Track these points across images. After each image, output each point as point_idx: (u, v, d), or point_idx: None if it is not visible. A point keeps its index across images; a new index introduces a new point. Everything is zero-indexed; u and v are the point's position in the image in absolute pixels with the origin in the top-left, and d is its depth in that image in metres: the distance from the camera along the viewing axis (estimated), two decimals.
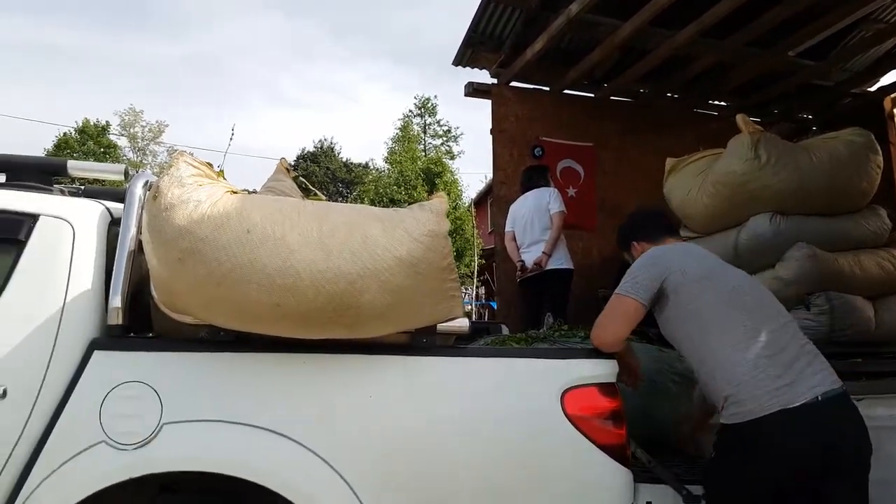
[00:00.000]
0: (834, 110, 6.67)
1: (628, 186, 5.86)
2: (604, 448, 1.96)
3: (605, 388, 2.03)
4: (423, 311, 1.96)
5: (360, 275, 1.78)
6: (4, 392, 1.85)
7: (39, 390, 1.87)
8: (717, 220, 3.99)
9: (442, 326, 2.05)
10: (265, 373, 1.95)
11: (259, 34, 60.94)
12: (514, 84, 5.97)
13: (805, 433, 1.90)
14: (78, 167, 2.46)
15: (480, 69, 6.00)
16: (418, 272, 1.85)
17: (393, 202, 22.82)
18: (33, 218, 2.05)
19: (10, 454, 1.83)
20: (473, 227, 22.85)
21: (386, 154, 31.24)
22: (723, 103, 6.82)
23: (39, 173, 2.34)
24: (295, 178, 2.84)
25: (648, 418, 2.65)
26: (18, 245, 2.01)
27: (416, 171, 26.51)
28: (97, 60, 54.78)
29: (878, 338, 3.64)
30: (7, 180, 2.30)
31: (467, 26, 5.61)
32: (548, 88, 6.07)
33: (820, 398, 1.92)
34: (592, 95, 6.31)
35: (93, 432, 1.84)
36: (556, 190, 5.19)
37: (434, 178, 26.47)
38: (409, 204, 2.52)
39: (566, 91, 6.11)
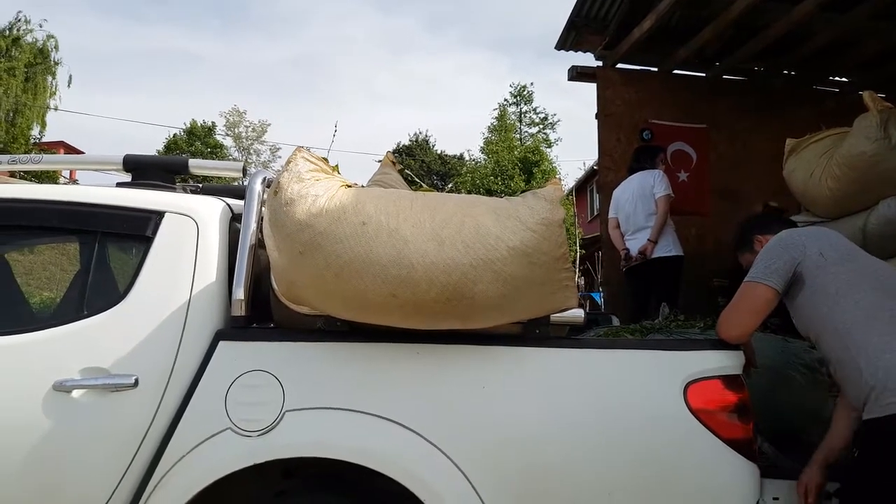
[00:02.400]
0: None
1: (743, 169, 5.57)
2: (729, 442, 1.89)
3: (731, 380, 1.95)
4: (536, 302, 1.94)
5: (473, 265, 1.77)
6: (136, 381, 1.94)
7: (169, 379, 1.96)
8: (843, 205, 3.71)
9: (555, 317, 2.01)
10: (380, 362, 1.98)
11: (354, 32, 62.51)
12: (620, 66, 5.80)
13: None
14: (198, 165, 2.56)
15: (584, 52, 5.87)
16: (532, 262, 1.82)
17: (489, 193, 22.78)
18: (160, 215, 2.14)
19: (143, 440, 1.92)
20: (574, 215, 22.45)
21: (482, 144, 31.30)
22: (844, 79, 6.37)
23: (163, 172, 2.46)
24: (401, 171, 2.88)
25: (775, 411, 2.51)
26: (146, 241, 2.11)
27: (512, 161, 26.34)
28: (203, 63, 58.05)
29: None
30: (133, 179, 2.43)
31: (570, 10, 5.49)
32: (656, 69, 5.86)
33: None
34: (703, 75, 6.03)
35: (219, 419, 1.92)
36: (661, 172, 4.89)
37: (531, 167, 26.21)
38: (505, 195, 2.50)
39: (675, 71, 5.89)
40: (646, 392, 1.95)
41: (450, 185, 30.96)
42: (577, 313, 2.06)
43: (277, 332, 2.13)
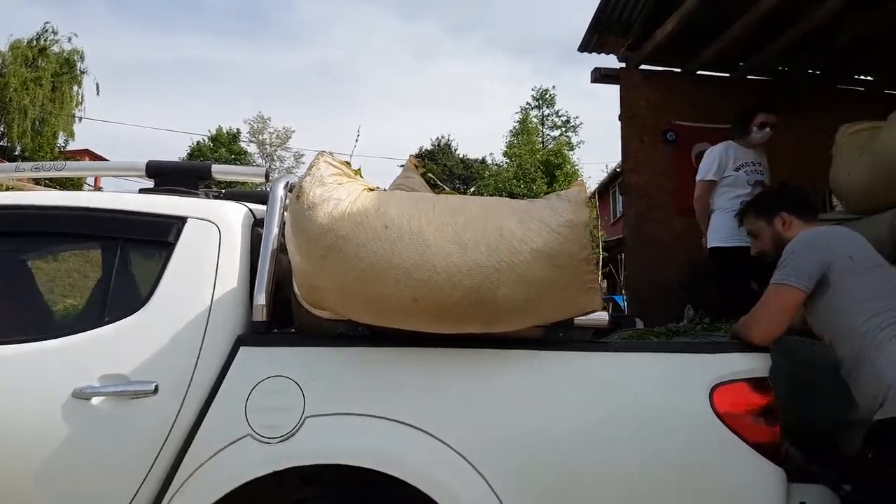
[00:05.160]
0: None
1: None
2: (756, 446, 1.87)
3: (757, 383, 1.93)
4: (561, 305, 1.91)
5: (496, 268, 1.75)
6: (156, 388, 1.94)
7: (189, 386, 1.95)
8: (874, 198, 3.60)
9: (579, 320, 1.99)
10: (403, 367, 1.96)
11: (374, 38, 62.86)
12: (643, 67, 5.72)
13: None
14: (221, 171, 2.57)
15: (608, 54, 5.81)
16: (556, 264, 1.80)
17: (512, 196, 22.73)
18: (182, 220, 2.15)
19: (163, 446, 1.92)
20: (596, 217, 22.33)
21: (504, 148, 31.31)
22: (870, 78, 6.22)
23: (186, 177, 2.46)
24: (424, 175, 2.87)
25: (801, 415, 2.48)
26: (168, 247, 2.11)
27: (535, 164, 26.32)
28: (229, 71, 58.77)
29: None
30: (156, 185, 2.45)
31: (592, 12, 5.45)
32: (679, 70, 5.77)
33: None
34: (728, 75, 5.92)
35: (239, 426, 1.90)
36: (712, 150, 4.41)
37: (554, 169, 26.17)
38: (528, 198, 2.48)
39: (699, 72, 5.78)
40: (671, 395, 1.92)
41: (472, 189, 30.96)
42: (602, 316, 2.05)
43: (298, 337, 2.13)
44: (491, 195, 24.72)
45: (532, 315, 1.90)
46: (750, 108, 4.42)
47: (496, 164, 32.44)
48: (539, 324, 1.96)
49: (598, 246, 20.69)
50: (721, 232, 4.21)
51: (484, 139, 70.04)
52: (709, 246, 4.34)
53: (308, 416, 1.90)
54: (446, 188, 2.87)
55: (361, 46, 62.61)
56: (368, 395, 1.93)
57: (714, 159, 4.30)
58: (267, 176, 2.56)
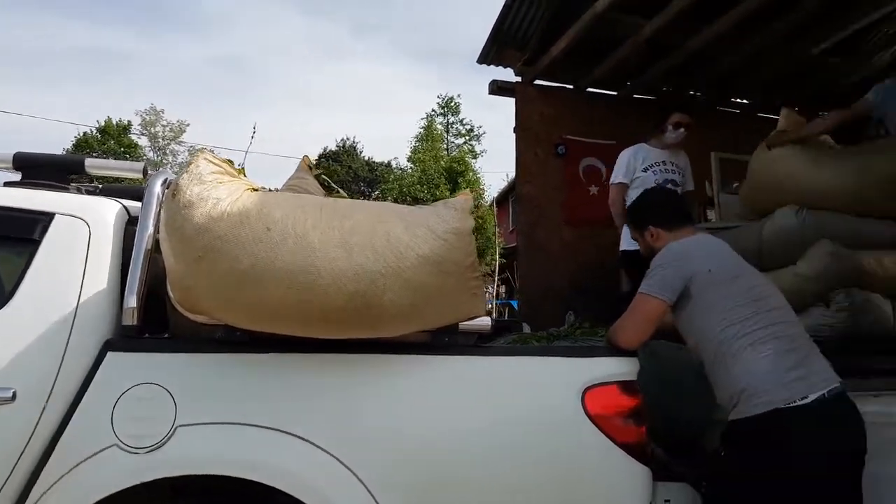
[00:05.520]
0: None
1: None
2: (624, 446, 1.96)
3: (626, 385, 2.02)
4: (446, 310, 1.95)
5: (382, 273, 1.76)
6: (14, 395, 1.82)
7: (51, 392, 1.84)
8: (752, 207, 4.03)
9: (464, 325, 2.03)
10: (282, 374, 1.92)
11: (280, 34, 61.48)
12: (538, 82, 5.91)
13: (817, 427, 1.95)
14: (96, 165, 2.43)
15: (505, 67, 5.94)
16: (442, 270, 1.83)
17: (416, 201, 22.84)
18: (48, 216, 2.03)
19: (20, 457, 1.80)
20: (495, 225, 22.80)
21: (409, 153, 31.40)
22: (745, 101, 6.72)
23: (56, 171, 2.32)
24: (317, 176, 2.82)
25: (668, 415, 2.64)
26: (33, 244, 1.99)
27: (439, 171, 26.57)
28: (125, 61, 55.65)
29: None
30: (23, 178, 2.29)
31: (492, 24, 5.56)
32: (572, 87, 6.00)
33: (826, 394, 1.98)
34: (615, 94, 6.22)
35: (105, 435, 1.81)
36: (622, 153, 4.39)
37: (457, 176, 26.51)
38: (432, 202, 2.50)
39: (590, 89, 6.04)
40: (547, 397, 1.99)
41: (377, 192, 30.86)
42: (485, 321, 2.10)
43: (171, 342, 2.04)
44: (395, 199, 24.79)
45: (418, 320, 1.91)
46: (665, 108, 4.49)
47: (400, 169, 32.49)
48: (425, 329, 1.97)
49: (496, 252, 21.17)
50: (628, 236, 4.10)
51: (390, 143, 69.86)
52: (620, 249, 4.32)
53: (179, 426, 1.82)
54: (341, 191, 2.84)
55: (266, 42, 61.00)
56: (245, 402, 1.88)
57: (623, 162, 4.34)
58: (145, 172, 2.45)
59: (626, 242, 4.15)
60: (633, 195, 4.14)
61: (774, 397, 1.96)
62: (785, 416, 1.94)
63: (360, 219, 1.83)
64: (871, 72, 6.27)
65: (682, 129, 4.29)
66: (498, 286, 21.23)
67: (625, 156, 4.34)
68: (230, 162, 1.97)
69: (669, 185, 4.11)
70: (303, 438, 1.84)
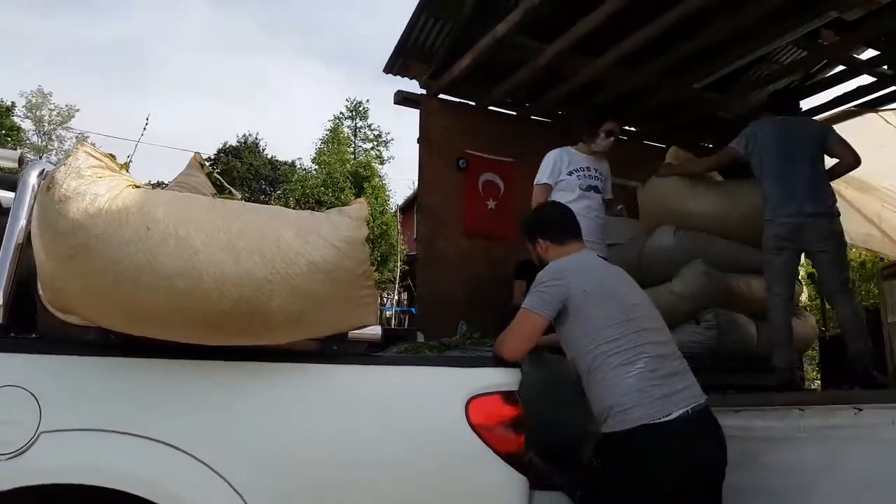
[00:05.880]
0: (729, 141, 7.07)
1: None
2: (503, 456, 1.99)
3: (508, 396, 2.07)
4: (336, 318, 1.92)
5: (269, 279, 1.71)
6: None
7: None
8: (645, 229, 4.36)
9: (353, 334, 2.03)
10: (157, 380, 1.85)
11: (186, 23, 58.95)
12: (442, 96, 6.03)
13: (679, 442, 2.08)
14: None
15: (411, 78, 6.02)
16: (333, 278, 1.80)
17: (319, 203, 22.50)
18: None
19: None
20: (399, 232, 22.86)
21: (314, 154, 30.90)
22: (633, 129, 7.10)
23: None
24: (209, 174, 2.73)
25: (548, 426, 2.76)
26: None
27: (344, 174, 26.29)
28: (8, 37, 51.54)
29: (759, 353, 3.93)
30: None
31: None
32: (474, 103, 6.15)
33: (690, 411, 2.11)
34: (515, 114, 6.43)
35: None
36: (549, 154, 4.29)
37: (362, 181, 26.32)
38: (338, 205, 2.48)
39: (491, 108, 6.21)
40: (431, 407, 2.01)
41: (278, 192, 30.11)
42: (375, 330, 2.10)
43: (38, 342, 1.93)
44: (297, 200, 24.22)
45: (306, 328, 1.88)
46: (599, 114, 4.50)
47: (304, 170, 31.88)
48: (313, 337, 1.95)
49: (399, 260, 21.19)
50: None
51: (295, 142, 68.43)
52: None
53: (44, 432, 1.71)
54: (234, 191, 2.77)
55: (168, 29, 58.21)
56: (116, 409, 1.79)
57: (549, 163, 4.25)
58: (21, 161, 2.28)
59: None
60: (556, 197, 4.12)
61: (639, 414, 2.08)
62: (649, 432, 2.06)
63: (249, 222, 1.78)
64: (747, 108, 6.89)
65: (611, 138, 4.34)
66: (400, 293, 21.26)
67: (551, 158, 4.28)
68: (112, 156, 1.88)
69: (592, 192, 4.16)
70: (177, 448, 1.77)
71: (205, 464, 1.78)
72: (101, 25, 56.72)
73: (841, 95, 6.38)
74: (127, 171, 1.91)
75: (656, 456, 2.07)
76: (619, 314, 2.26)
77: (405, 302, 20.28)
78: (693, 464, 2.09)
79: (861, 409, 2.42)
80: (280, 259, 1.74)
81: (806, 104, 6.47)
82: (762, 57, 6.08)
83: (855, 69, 5.94)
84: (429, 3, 5.43)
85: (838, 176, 3.90)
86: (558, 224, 2.63)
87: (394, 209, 25.82)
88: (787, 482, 2.54)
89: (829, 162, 3.86)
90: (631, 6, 4.44)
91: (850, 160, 3.81)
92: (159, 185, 1.95)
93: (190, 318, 1.72)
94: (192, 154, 2.82)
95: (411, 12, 5.48)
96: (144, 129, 2.57)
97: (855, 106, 6.23)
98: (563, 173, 4.19)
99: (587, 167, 4.24)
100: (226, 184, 2.85)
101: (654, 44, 5.03)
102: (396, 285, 21.47)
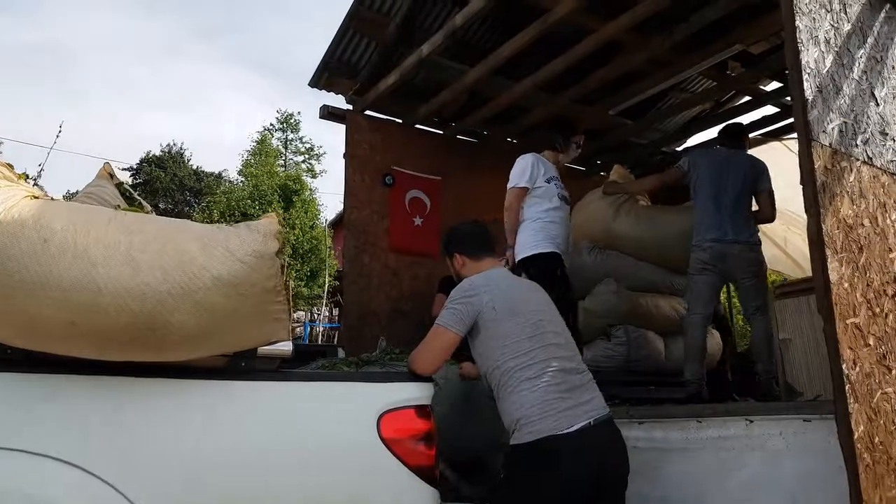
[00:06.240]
0: (645, 166, 7.31)
1: (468, 219, 6.14)
2: (414, 469, 2.03)
3: (420, 410, 2.10)
4: (243, 334, 1.91)
5: (170, 293, 1.69)
6: None
7: None
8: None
9: (263, 349, 2.00)
10: (57, 396, 1.80)
11: (112, 27, 56.96)
12: (369, 112, 6.05)
13: (581, 453, 2.16)
14: None
15: (337, 94, 6.03)
16: (240, 293, 1.78)
17: (245, 216, 22.04)
18: None
19: None
20: (328, 247, 22.64)
21: (240, 166, 30.32)
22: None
23: None
24: (118, 185, 2.68)
25: (462, 439, 2.82)
26: None
27: (272, 187, 25.84)
28: None
29: (667, 368, 4.13)
30: None
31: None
32: (400, 121, 6.20)
33: (593, 422, 2.21)
34: (441, 132, 6.51)
35: None
36: (523, 158, 4.06)
37: (291, 195, 25.95)
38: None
39: (417, 126, 6.28)
40: (343, 422, 2.03)
41: (203, 203, 29.32)
42: (286, 346, 2.07)
43: None
44: (221, 213, 23.60)
45: (211, 343, 1.86)
46: (572, 125, 4.45)
47: (230, 182, 31.20)
48: (220, 352, 1.92)
49: (328, 275, 20.95)
50: (534, 240, 3.89)
51: (223, 153, 66.82)
52: (521, 257, 3.89)
53: None
54: (144, 203, 2.73)
55: (91, 30, 56.13)
56: (8, 426, 1.74)
57: (526, 167, 4.00)
58: None
59: (528, 248, 3.88)
60: (533, 204, 3.97)
61: (544, 426, 2.17)
62: (553, 443, 2.15)
63: (152, 235, 1.76)
64: (660, 135, 7.23)
65: (579, 150, 4.34)
66: (332, 309, 21.01)
67: (527, 161, 4.04)
68: (9, 166, 1.84)
69: (563, 202, 4.07)
70: (75, 465, 1.74)
71: (104, 481, 1.74)
72: (15, 22, 54.18)
73: (748, 124, 6.77)
74: (26, 180, 1.87)
75: (560, 466, 2.15)
76: (526, 329, 2.34)
77: (336, 318, 20.06)
78: (596, 472, 2.17)
79: (752, 421, 2.58)
80: (183, 273, 1.72)
81: (714, 132, 6.85)
82: (675, 85, 6.39)
83: (760, 100, 6.30)
84: (355, 21, 5.48)
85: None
86: (474, 241, 2.72)
87: (324, 223, 25.53)
88: (684, 491, 2.68)
89: None
90: (549, 34, 4.62)
91: (769, 215, 4.10)
92: (70, 195, 1.90)
93: (87, 333, 1.69)
94: (103, 164, 2.76)
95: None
96: (58, 136, 2.52)
97: (760, 135, 6.56)
98: (541, 179, 4.01)
99: (557, 177, 4.12)
100: (136, 195, 2.80)
101: (572, 70, 5.23)
102: (324, 300, 21.19)
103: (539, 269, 3.72)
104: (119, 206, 2.31)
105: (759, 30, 4.83)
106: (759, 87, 6.34)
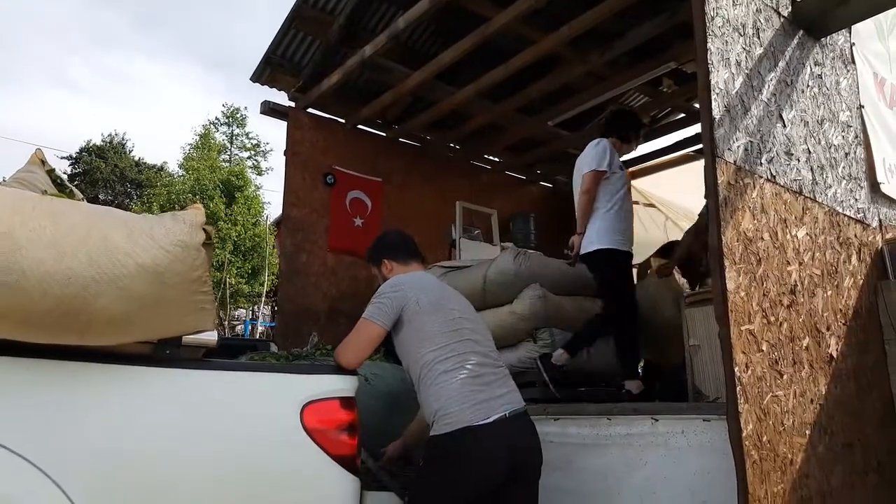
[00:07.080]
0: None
1: (410, 223, 6.14)
2: (336, 458, 2.09)
3: (345, 401, 2.17)
4: (167, 322, 1.93)
5: (94, 279, 1.72)
6: None
7: None
8: None
9: (188, 338, 2.03)
10: None
11: (50, 9, 54.75)
12: (311, 111, 6.05)
13: (496, 442, 2.26)
14: None
15: (279, 90, 6.02)
16: (163, 281, 1.82)
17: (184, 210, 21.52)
18: None
19: None
20: (271, 245, 22.33)
21: (181, 160, 29.58)
22: (495, 159, 7.44)
23: None
24: (50, 172, 2.61)
25: (387, 431, 2.88)
26: None
27: (214, 182, 25.32)
28: None
29: (591, 369, 4.27)
30: None
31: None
32: (343, 121, 6.21)
33: (508, 414, 2.31)
34: (384, 134, 6.56)
35: None
36: (600, 141, 3.82)
37: (234, 191, 25.48)
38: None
39: (359, 126, 6.30)
40: (265, 412, 2.08)
41: (143, 197, 28.51)
42: (210, 336, 2.12)
43: None
44: (162, 205, 22.96)
45: (134, 330, 1.88)
46: (639, 119, 4.25)
47: (170, 175, 30.37)
48: (143, 339, 1.94)
49: (271, 273, 20.70)
50: (609, 234, 3.72)
51: (165, 145, 64.88)
52: (596, 248, 3.71)
53: None
54: (75, 190, 2.70)
55: (25, 11, 53.71)
56: None
57: (601, 153, 3.77)
58: None
59: (600, 241, 3.71)
60: (610, 190, 3.78)
61: (461, 418, 2.25)
62: (470, 434, 2.23)
63: (77, 221, 1.78)
64: None
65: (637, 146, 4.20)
66: (272, 308, 20.72)
67: (604, 146, 3.81)
68: None
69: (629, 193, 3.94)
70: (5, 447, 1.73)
71: (31, 462, 1.74)
72: None
73: (681, 140, 7.04)
74: None
75: (476, 455, 2.24)
76: (447, 325, 2.44)
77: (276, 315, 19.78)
78: (510, 462, 2.27)
79: (657, 420, 2.73)
80: (106, 259, 1.74)
81: (650, 146, 7.10)
82: (612, 99, 6.61)
83: (693, 116, 6.53)
84: (297, 18, 5.49)
85: None
86: (402, 247, 2.82)
87: (267, 221, 25.14)
88: (595, 484, 2.82)
89: None
90: (491, 43, 4.75)
91: None
92: None
93: (9, 316, 1.69)
94: (34, 150, 2.73)
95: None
96: None
97: (693, 151, 6.82)
98: (616, 166, 3.83)
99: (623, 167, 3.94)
100: (67, 182, 2.78)
101: (513, 80, 5.37)
102: (263, 298, 20.91)
103: (616, 266, 3.71)
104: (47, 191, 2.29)
105: (691, 49, 5.02)
106: (692, 105, 6.58)
